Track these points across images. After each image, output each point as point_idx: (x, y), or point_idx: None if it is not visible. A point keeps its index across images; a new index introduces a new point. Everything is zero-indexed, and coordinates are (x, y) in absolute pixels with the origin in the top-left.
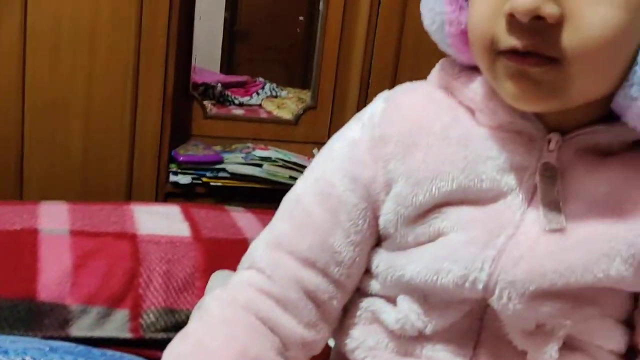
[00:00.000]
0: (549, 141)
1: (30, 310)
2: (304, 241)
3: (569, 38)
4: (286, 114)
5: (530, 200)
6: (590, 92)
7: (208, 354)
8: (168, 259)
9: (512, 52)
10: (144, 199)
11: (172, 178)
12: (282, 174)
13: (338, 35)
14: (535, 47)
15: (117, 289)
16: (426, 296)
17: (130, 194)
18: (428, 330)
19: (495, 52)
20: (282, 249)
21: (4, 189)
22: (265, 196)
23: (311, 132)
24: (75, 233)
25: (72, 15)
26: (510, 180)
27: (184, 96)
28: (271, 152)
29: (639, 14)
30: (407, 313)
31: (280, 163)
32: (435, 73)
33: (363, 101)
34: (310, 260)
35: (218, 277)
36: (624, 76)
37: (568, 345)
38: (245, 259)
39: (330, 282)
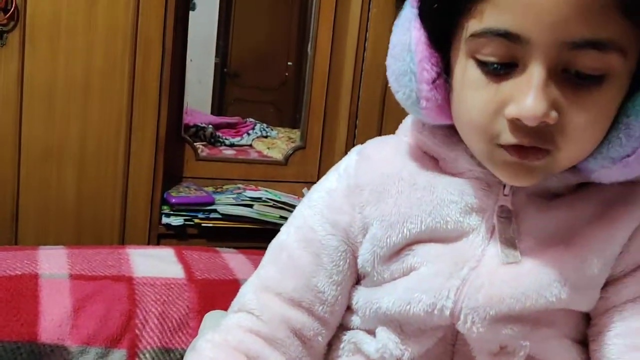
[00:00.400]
0: (504, 186)
1: (32, 352)
2: (290, 283)
3: (565, 134)
4: (276, 154)
5: (490, 238)
6: (568, 166)
7: None
8: (163, 300)
9: (514, 146)
10: (137, 240)
11: (165, 220)
12: (272, 214)
13: (326, 77)
14: (537, 142)
15: (114, 330)
16: (402, 325)
17: (123, 236)
18: (406, 357)
19: (495, 144)
20: (269, 291)
21: (0, 234)
22: (257, 236)
23: (301, 172)
24: (74, 277)
25: (67, 64)
26: (471, 221)
27: (176, 139)
28: (261, 193)
29: (608, 109)
30: (385, 342)
31: (271, 203)
32: (402, 127)
33: (351, 140)
34: (296, 300)
35: (211, 317)
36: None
37: None
38: (235, 303)
39: (315, 320)
